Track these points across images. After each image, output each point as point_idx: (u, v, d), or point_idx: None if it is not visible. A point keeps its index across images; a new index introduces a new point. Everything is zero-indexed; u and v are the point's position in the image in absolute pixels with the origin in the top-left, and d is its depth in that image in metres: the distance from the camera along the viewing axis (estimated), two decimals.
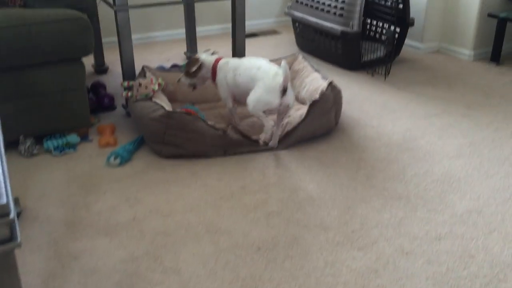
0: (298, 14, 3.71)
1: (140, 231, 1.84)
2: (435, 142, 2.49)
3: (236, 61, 2.47)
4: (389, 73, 3.28)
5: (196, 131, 2.24)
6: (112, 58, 3.69)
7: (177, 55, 3.78)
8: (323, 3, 3.48)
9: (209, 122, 2.30)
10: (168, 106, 2.47)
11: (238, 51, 3.00)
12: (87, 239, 1.80)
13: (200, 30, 4.25)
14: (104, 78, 3.31)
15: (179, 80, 2.54)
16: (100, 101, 2.81)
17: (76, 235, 1.81)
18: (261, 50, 3.93)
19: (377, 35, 3.54)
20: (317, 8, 3.54)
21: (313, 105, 2.41)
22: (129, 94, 2.48)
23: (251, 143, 2.36)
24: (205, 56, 2.52)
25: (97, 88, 2.96)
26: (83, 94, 2.43)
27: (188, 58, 2.45)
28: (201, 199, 2.03)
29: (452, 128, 2.64)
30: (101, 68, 3.41)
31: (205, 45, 3.96)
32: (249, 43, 4.08)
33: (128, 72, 2.70)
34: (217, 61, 2.49)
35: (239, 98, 2.44)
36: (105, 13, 3.20)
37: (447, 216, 1.93)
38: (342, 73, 3.43)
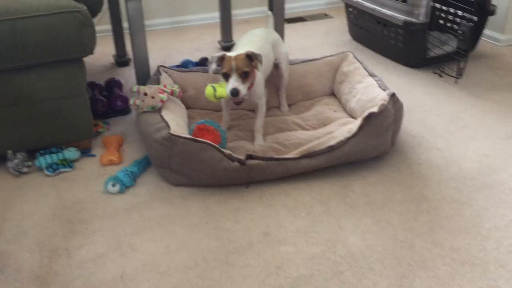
0: None
1: None
2: None
3: (251, 43, 2.04)
4: (462, 74, 2.66)
5: (205, 162, 1.78)
6: None
7: (210, 44, 3.31)
8: None
9: (226, 150, 1.83)
10: (181, 119, 2.02)
11: None
12: None
13: (238, 12, 3.76)
14: (124, 72, 2.91)
15: (216, 97, 1.89)
16: (112, 103, 2.41)
17: None
18: (307, 39, 3.39)
19: (448, 24, 2.90)
20: None
21: (369, 119, 1.89)
22: (137, 102, 2.05)
23: (279, 164, 1.87)
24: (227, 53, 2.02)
25: (112, 87, 2.56)
26: (83, 101, 2.03)
27: (218, 59, 1.90)
28: (210, 250, 1.59)
29: None
30: (122, 59, 3.00)
31: (242, 31, 3.48)
32: (294, 29, 3.56)
33: (142, 73, 2.28)
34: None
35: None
36: None
37: None
38: (403, 71, 2.85)
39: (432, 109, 2.43)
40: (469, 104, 2.47)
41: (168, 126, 1.87)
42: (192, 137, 1.80)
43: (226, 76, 1.86)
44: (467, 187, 1.86)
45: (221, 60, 1.89)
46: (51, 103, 1.96)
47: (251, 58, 1.88)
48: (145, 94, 2.01)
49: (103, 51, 3.20)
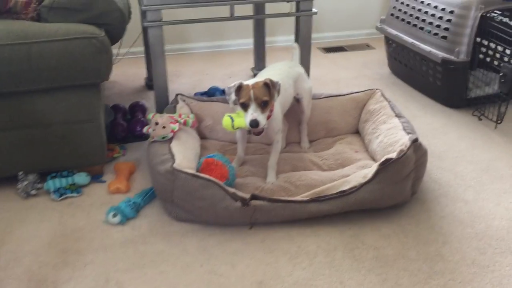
0: (391, 30, 2.99)
1: None
2: None
3: (271, 77, 1.92)
4: (502, 119, 2.46)
5: (206, 200, 1.71)
6: (171, 69, 3.28)
7: (243, 72, 3.27)
8: (423, 20, 2.73)
9: (230, 188, 1.74)
10: (190, 152, 1.96)
11: None
12: None
13: (273, 40, 3.71)
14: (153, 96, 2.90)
15: (234, 127, 1.82)
16: (132, 128, 2.39)
17: None
18: (344, 70, 3.27)
19: (493, 61, 2.70)
20: (415, 25, 2.80)
21: (385, 166, 1.76)
22: (149, 131, 2.02)
23: (285, 207, 1.76)
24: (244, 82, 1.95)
25: (135, 111, 2.55)
26: (97, 126, 2.02)
27: (236, 89, 1.83)
28: None
29: None
30: (152, 83, 3.00)
31: (276, 59, 3.41)
32: (332, 59, 3.46)
33: (161, 100, 2.25)
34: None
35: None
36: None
37: None
38: (440, 110, 2.67)
39: (465, 155, 2.24)
40: (508, 153, 2.26)
41: (173, 159, 1.81)
42: (194, 173, 1.73)
43: (245, 106, 1.79)
44: (491, 248, 1.68)
45: (238, 89, 1.82)
46: (65, 127, 1.96)
47: (269, 86, 1.80)
48: (156, 123, 1.98)
49: (137, 73, 3.23)
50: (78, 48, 1.85)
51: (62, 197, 1.95)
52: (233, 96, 1.82)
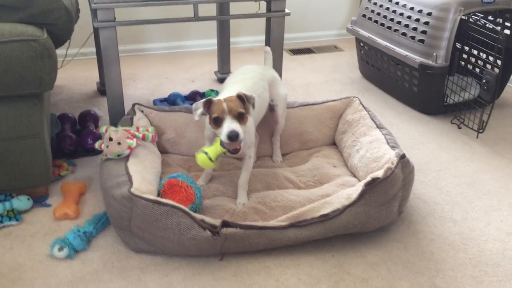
0: (363, 32, 2.83)
1: None
2: None
3: (243, 81, 1.79)
4: (484, 128, 2.33)
5: (170, 229, 1.47)
6: (126, 72, 3.01)
7: (206, 75, 3.03)
8: (398, 22, 2.58)
9: (197, 215, 1.51)
10: (150, 172, 1.71)
11: None
12: None
13: (238, 40, 3.49)
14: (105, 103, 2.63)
15: (212, 159, 1.57)
16: (82, 141, 2.11)
17: None
18: (313, 74, 3.09)
19: (472, 66, 2.58)
20: (389, 28, 2.64)
21: (372, 186, 1.57)
22: (102, 147, 1.76)
23: (261, 234, 1.54)
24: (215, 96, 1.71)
25: (86, 121, 2.27)
26: (41, 142, 1.73)
27: (204, 104, 1.59)
28: None
29: None
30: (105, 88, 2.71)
31: (242, 61, 3.19)
32: (300, 62, 3.27)
33: (114, 110, 1.98)
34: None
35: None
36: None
37: None
38: (416, 118, 2.53)
39: (448, 167, 2.10)
40: (492, 164, 2.13)
41: (130, 181, 1.57)
42: (156, 199, 1.49)
43: (218, 121, 1.55)
44: (488, 276, 1.52)
45: (208, 105, 1.59)
46: (0, 144, 1.67)
47: (243, 100, 1.59)
48: (110, 139, 1.72)
49: (88, 76, 2.93)
50: (14, 52, 1.56)
51: None
52: (199, 111, 1.59)
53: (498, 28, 2.29)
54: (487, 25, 2.26)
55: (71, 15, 1.75)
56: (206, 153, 1.57)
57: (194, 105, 1.61)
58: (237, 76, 1.89)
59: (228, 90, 1.73)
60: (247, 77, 1.85)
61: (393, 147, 1.77)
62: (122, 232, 1.59)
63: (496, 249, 1.64)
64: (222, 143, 1.57)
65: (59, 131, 2.17)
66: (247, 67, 1.95)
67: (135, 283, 1.47)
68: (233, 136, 1.52)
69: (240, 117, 1.56)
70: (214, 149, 1.58)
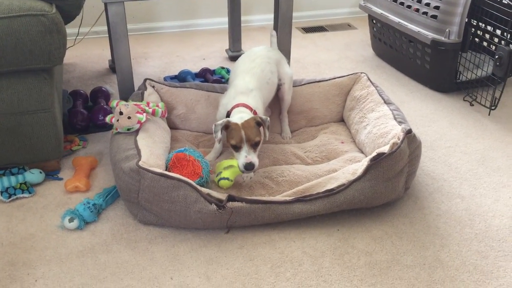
0: (376, 9, 2.79)
1: None
2: None
3: (253, 70, 1.86)
4: (496, 105, 2.30)
5: (176, 202, 1.49)
6: (138, 51, 3.02)
7: (217, 53, 3.03)
8: None
9: (203, 189, 1.53)
10: (159, 146, 1.74)
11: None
12: None
13: (249, 19, 3.47)
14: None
15: (232, 180, 1.67)
16: (93, 117, 2.14)
17: None
18: (325, 52, 3.06)
19: (485, 43, 2.54)
20: (401, 3, 2.60)
21: (377, 162, 1.57)
22: (112, 121, 1.78)
23: (266, 208, 1.56)
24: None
25: (97, 97, 2.30)
26: (52, 116, 1.77)
27: (223, 127, 1.68)
28: None
29: None
30: None
31: (253, 39, 3.18)
32: (312, 40, 3.25)
33: (124, 86, 2.00)
34: (238, 105, 1.76)
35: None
36: None
37: None
38: (429, 95, 2.50)
39: (459, 144, 2.08)
40: (504, 141, 2.10)
41: (139, 155, 1.59)
42: (163, 172, 1.51)
43: (236, 148, 1.65)
44: (494, 251, 1.52)
45: (226, 127, 1.67)
46: (12, 118, 1.71)
47: (260, 124, 1.67)
48: (121, 113, 1.74)
49: (101, 54, 2.96)
50: (23, 27, 1.58)
51: (11, 198, 1.71)
52: (219, 135, 1.66)
53: None
54: (502, 0, 2.21)
55: None
56: (227, 178, 1.66)
57: (214, 126, 1.68)
58: (246, 63, 1.93)
59: (239, 81, 1.83)
60: (256, 64, 1.89)
61: (400, 123, 1.76)
62: (130, 204, 1.62)
63: (503, 225, 1.63)
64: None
65: (71, 107, 2.20)
66: (254, 50, 2.00)
67: (143, 253, 1.50)
68: (249, 168, 1.63)
69: (256, 145, 1.65)
70: (233, 172, 1.67)
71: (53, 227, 1.60)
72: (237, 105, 1.73)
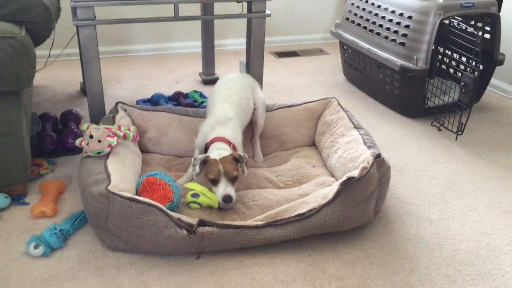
0: (346, 35, 2.85)
1: None
2: None
3: (231, 98, 1.91)
4: (463, 130, 2.36)
5: (146, 227, 1.47)
6: (111, 73, 3.01)
7: (191, 76, 3.04)
8: (380, 25, 2.61)
9: (174, 213, 1.52)
10: (129, 170, 1.72)
11: (254, 79, 2.22)
12: None
13: (223, 43, 3.51)
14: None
15: (203, 205, 1.69)
16: (63, 140, 2.11)
17: None
18: (297, 76, 3.11)
19: (454, 70, 2.62)
20: (371, 31, 2.67)
21: (347, 186, 1.58)
22: (82, 144, 1.76)
23: (237, 233, 1.55)
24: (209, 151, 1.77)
25: (67, 120, 2.27)
26: (19, 140, 1.73)
27: (201, 162, 1.70)
28: None
29: None
30: None
31: (226, 63, 3.21)
32: (285, 65, 3.29)
33: (95, 109, 1.98)
34: (217, 139, 1.78)
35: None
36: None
37: None
38: (398, 120, 2.56)
39: (427, 169, 2.12)
40: (470, 166, 2.16)
41: (109, 179, 1.57)
42: (132, 197, 1.49)
43: (214, 182, 1.67)
44: (462, 275, 1.54)
45: (204, 162, 1.69)
46: None
47: (238, 160, 1.70)
48: (91, 136, 1.72)
49: (72, 77, 2.93)
50: None
51: None
52: (197, 169, 1.68)
53: (479, 32, 2.32)
54: (467, 29, 2.30)
55: (50, 13, 1.76)
56: (200, 205, 1.68)
57: (193, 160, 1.69)
58: (223, 91, 1.95)
59: (218, 109, 1.86)
60: (233, 92, 1.93)
61: (369, 147, 1.79)
62: (99, 230, 1.59)
63: (470, 248, 1.66)
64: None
65: (40, 130, 2.16)
66: (230, 77, 2.04)
67: (111, 281, 1.47)
68: (227, 200, 1.64)
69: (234, 180, 1.67)
70: (208, 200, 1.67)
71: (17, 254, 1.55)
72: (215, 139, 1.75)
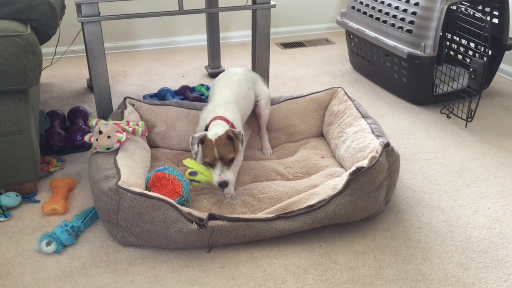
0: (353, 24, 2.83)
1: None
2: None
3: (230, 85, 1.91)
4: (472, 117, 2.33)
5: (157, 222, 1.48)
6: (117, 69, 3.01)
7: (197, 70, 3.03)
8: (386, 13, 2.58)
9: (184, 208, 1.52)
10: (139, 165, 1.72)
11: (260, 71, 2.22)
12: None
13: (228, 35, 3.49)
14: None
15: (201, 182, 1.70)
16: (71, 137, 2.11)
17: None
18: (303, 67, 3.09)
19: (462, 56, 2.59)
20: (377, 19, 2.64)
21: (357, 176, 1.57)
22: (91, 140, 1.76)
23: (247, 226, 1.55)
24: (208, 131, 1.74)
25: (75, 117, 2.27)
26: (28, 138, 1.74)
27: (199, 141, 1.69)
28: None
29: None
30: None
31: (232, 55, 3.20)
32: (291, 56, 3.27)
33: (102, 105, 1.98)
34: (216, 118, 1.76)
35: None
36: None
37: None
38: (406, 109, 2.53)
39: (437, 156, 2.10)
40: (481, 152, 2.14)
41: (119, 174, 1.57)
42: (143, 192, 1.49)
43: (210, 165, 1.66)
44: (475, 263, 1.53)
45: (201, 141, 1.67)
46: None
47: (232, 139, 1.66)
48: (100, 132, 1.72)
49: (79, 74, 2.93)
50: None
51: None
52: (195, 148, 1.68)
53: (488, 17, 2.29)
54: (475, 14, 2.27)
55: (55, 10, 1.75)
56: (199, 182, 1.69)
57: (191, 139, 1.69)
58: (223, 80, 1.96)
59: (218, 95, 1.85)
60: (233, 80, 1.94)
61: (378, 136, 1.77)
62: (110, 225, 1.59)
63: (483, 236, 1.65)
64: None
65: (48, 127, 2.17)
66: (231, 70, 2.03)
67: (123, 276, 1.47)
68: (223, 185, 1.63)
69: (230, 162, 1.65)
70: (205, 178, 1.67)
71: (30, 252, 1.56)
72: (215, 118, 1.74)
